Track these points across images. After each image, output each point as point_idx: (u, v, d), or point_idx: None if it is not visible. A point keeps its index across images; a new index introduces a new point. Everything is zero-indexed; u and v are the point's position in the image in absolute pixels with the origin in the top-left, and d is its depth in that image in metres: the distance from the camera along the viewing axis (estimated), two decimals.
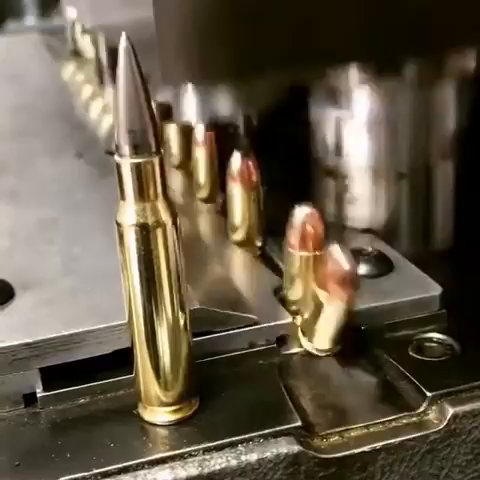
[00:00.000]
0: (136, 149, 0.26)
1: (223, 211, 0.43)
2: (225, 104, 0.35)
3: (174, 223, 0.27)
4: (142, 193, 0.27)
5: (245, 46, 0.31)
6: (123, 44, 0.25)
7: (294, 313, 0.35)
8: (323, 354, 0.34)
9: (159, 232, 0.27)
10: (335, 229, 0.41)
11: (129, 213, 0.27)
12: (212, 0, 0.30)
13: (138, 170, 0.26)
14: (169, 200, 0.27)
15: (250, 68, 0.32)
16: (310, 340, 0.34)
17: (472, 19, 0.33)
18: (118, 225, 0.27)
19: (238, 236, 0.42)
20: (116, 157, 0.26)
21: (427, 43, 0.34)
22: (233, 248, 0.41)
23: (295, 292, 0.35)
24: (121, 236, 0.27)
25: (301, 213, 0.34)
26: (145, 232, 0.27)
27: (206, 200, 0.48)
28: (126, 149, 0.26)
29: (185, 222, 0.43)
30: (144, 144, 0.26)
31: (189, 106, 0.35)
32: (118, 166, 0.27)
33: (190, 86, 0.34)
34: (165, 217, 0.27)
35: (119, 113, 0.26)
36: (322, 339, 0.33)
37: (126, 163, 0.26)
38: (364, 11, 0.32)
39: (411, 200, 0.41)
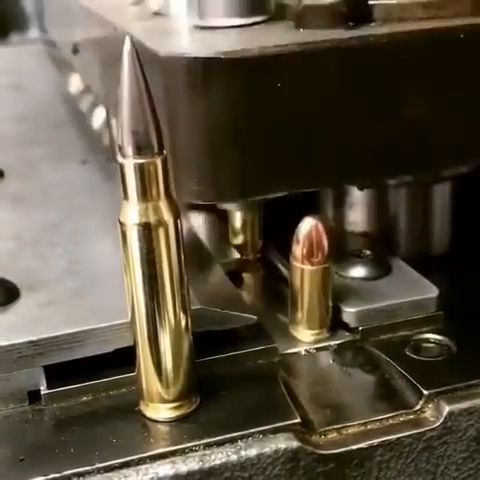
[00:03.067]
0: (139, 150, 0.27)
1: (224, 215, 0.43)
2: None
3: (176, 222, 0.28)
4: (145, 193, 0.27)
5: (253, 169, 0.32)
6: (127, 47, 0.25)
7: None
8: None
9: (161, 231, 0.28)
10: (335, 233, 0.42)
11: (132, 212, 0.27)
12: (224, 124, 0.31)
13: (141, 170, 0.27)
14: (171, 200, 0.28)
15: (258, 189, 0.33)
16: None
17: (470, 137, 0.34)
18: (121, 224, 0.28)
19: (238, 240, 0.42)
20: (119, 158, 0.27)
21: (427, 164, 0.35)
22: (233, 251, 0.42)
23: (300, 304, 0.35)
24: (124, 235, 0.28)
25: (307, 225, 0.34)
26: (147, 231, 0.27)
27: None
28: (129, 150, 0.27)
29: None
30: (147, 145, 0.27)
31: None
32: (121, 166, 0.27)
33: None
34: (167, 216, 0.27)
35: (123, 114, 0.26)
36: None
37: (129, 163, 0.27)
38: (366, 135, 0.33)
39: (409, 205, 0.41)
